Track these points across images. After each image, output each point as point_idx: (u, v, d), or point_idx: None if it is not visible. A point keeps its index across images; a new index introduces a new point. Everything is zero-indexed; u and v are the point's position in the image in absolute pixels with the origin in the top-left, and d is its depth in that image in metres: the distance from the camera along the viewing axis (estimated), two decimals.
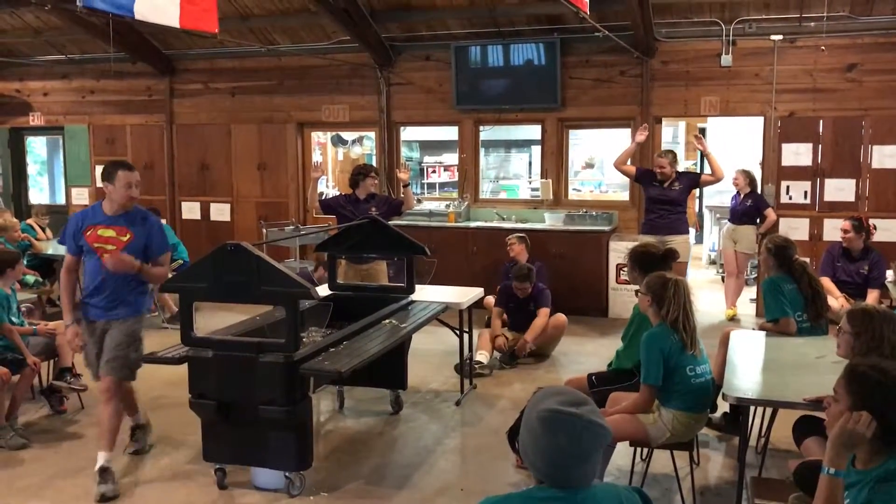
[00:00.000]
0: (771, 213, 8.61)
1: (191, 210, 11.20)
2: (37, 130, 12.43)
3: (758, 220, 8.65)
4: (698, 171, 12.54)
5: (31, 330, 5.68)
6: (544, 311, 7.26)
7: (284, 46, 10.29)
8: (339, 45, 10.01)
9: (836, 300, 6.43)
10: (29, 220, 9.45)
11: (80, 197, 11.81)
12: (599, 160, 13.04)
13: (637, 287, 4.38)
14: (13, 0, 5.19)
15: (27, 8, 9.53)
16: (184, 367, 4.39)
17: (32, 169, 13.12)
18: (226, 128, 10.93)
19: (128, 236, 4.65)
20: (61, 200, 12.39)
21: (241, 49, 10.25)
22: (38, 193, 13.04)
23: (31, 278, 8.14)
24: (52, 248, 9.40)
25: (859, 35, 8.32)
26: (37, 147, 13.21)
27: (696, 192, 12.60)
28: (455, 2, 9.14)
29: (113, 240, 4.62)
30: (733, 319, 8.63)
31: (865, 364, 2.64)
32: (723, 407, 5.00)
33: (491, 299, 7.46)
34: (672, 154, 8.19)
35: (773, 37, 8.53)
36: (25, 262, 7.62)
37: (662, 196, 7.90)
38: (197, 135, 11.09)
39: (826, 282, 6.63)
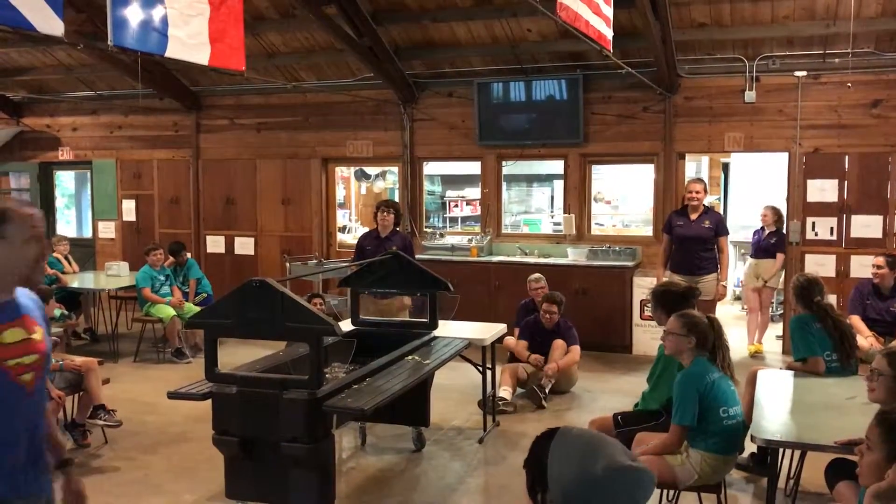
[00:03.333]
0: (780, 258, 8.57)
1: (215, 244, 11.29)
2: (65, 165, 12.64)
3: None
4: (722, 206, 12.51)
5: (58, 366, 5.72)
6: (576, 350, 7.22)
7: (309, 83, 10.41)
8: (363, 82, 10.12)
9: (866, 339, 6.32)
10: (55, 254, 9.55)
11: (107, 230, 11.97)
12: (616, 196, 12.98)
13: (664, 327, 4.34)
14: (46, 39, 5.32)
15: (59, 45, 9.73)
16: (207, 403, 4.39)
17: (60, 202, 13.32)
18: (251, 163, 11.05)
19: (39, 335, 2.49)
20: (88, 234, 12.55)
21: (266, 85, 10.39)
22: (66, 226, 13.22)
23: (57, 311, 8.20)
24: (79, 281, 9.52)
25: (884, 71, 8.28)
26: (65, 181, 13.42)
27: None
28: (478, 39, 9.22)
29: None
30: (755, 356, 8.53)
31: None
32: (749, 447, 4.92)
33: (510, 340, 7.38)
34: (704, 183, 8.17)
35: (797, 73, 8.51)
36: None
37: (689, 232, 7.80)
38: (222, 169, 11.22)
39: (855, 320, 6.53)
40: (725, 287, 7.80)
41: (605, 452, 1.70)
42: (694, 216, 7.86)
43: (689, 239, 7.81)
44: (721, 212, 12.70)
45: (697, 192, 7.86)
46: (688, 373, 4.03)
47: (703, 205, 7.96)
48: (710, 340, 4.10)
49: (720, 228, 7.90)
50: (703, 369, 4.00)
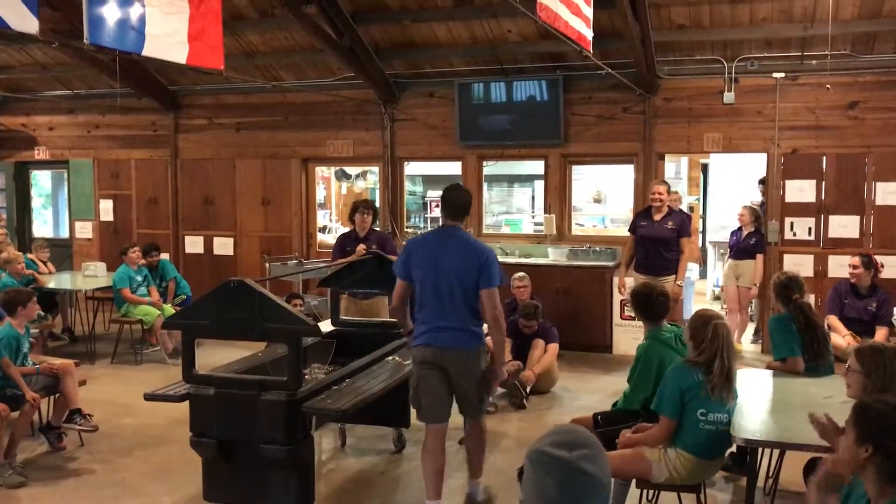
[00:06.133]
0: (760, 260, 8.62)
1: (194, 244, 11.20)
2: (42, 164, 12.49)
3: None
4: (701, 207, 12.59)
5: (35, 370, 5.63)
6: (553, 348, 7.23)
7: (289, 83, 10.36)
8: (343, 82, 10.07)
9: (843, 338, 6.38)
10: (30, 255, 9.41)
11: (84, 230, 11.84)
12: (605, 195, 13.05)
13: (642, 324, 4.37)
14: (21, 36, 5.27)
15: (35, 44, 9.62)
16: (185, 405, 4.35)
17: (37, 202, 13.17)
18: (230, 163, 10.97)
19: None
20: (65, 234, 12.41)
21: (246, 85, 10.32)
22: (42, 226, 13.07)
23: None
24: (55, 281, 9.40)
25: (861, 73, 8.35)
26: (41, 181, 13.27)
27: (699, 226, 12.61)
28: (458, 39, 9.21)
29: None
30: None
31: (871, 399, 2.62)
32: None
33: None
34: (668, 185, 8.17)
35: (776, 74, 8.56)
36: None
37: (654, 234, 7.78)
38: (201, 169, 11.13)
39: (833, 320, 6.60)
40: (680, 287, 7.78)
41: (543, 440, 1.73)
42: (658, 217, 7.86)
43: (651, 239, 7.81)
44: (701, 212, 12.80)
45: (660, 194, 7.85)
46: (676, 367, 4.07)
47: (668, 206, 7.97)
48: (702, 341, 4.00)
49: (683, 229, 7.88)
50: (694, 368, 4.00)
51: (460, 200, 4.70)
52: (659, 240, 7.75)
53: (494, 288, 4.47)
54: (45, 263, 9.61)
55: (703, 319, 4.11)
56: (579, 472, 1.67)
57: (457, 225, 4.65)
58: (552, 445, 1.70)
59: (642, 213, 8.10)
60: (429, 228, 12.91)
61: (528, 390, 6.96)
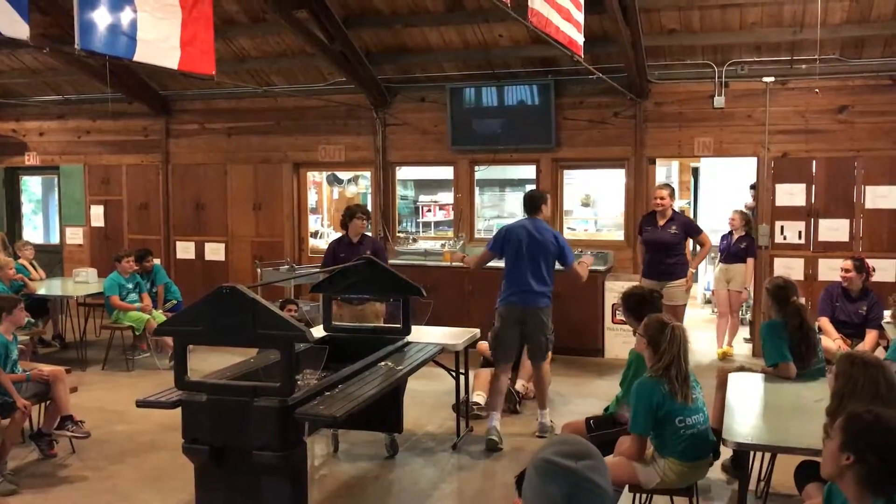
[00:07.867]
0: (750, 264, 8.67)
1: (185, 250, 11.18)
2: (32, 170, 12.45)
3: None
4: (692, 211, 12.61)
5: (25, 376, 5.61)
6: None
7: (281, 87, 10.35)
8: (335, 87, 10.08)
9: (833, 342, 6.41)
10: (21, 260, 9.36)
11: (75, 236, 11.79)
12: (594, 199, 13.06)
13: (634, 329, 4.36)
14: (12, 42, 5.25)
15: (25, 49, 9.59)
16: (177, 411, 4.33)
17: (27, 208, 13.11)
18: (221, 168, 10.95)
19: None
20: (55, 240, 12.37)
21: (237, 90, 10.32)
22: (33, 232, 13.01)
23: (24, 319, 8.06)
24: (46, 287, 9.36)
25: (850, 77, 8.41)
26: (32, 186, 13.21)
27: None
28: (450, 44, 9.23)
29: None
30: (725, 358, 8.60)
31: (863, 409, 2.64)
32: (727, 451, 4.95)
33: (484, 345, 7.36)
34: (671, 188, 8.19)
35: (766, 79, 8.61)
36: None
37: (656, 239, 7.82)
38: (192, 174, 11.11)
39: (824, 322, 6.63)
40: (692, 273, 7.88)
41: (548, 449, 1.72)
42: (662, 222, 7.88)
43: (655, 244, 7.84)
44: (691, 216, 12.82)
45: (663, 199, 7.87)
46: (642, 383, 4.03)
47: (672, 209, 7.98)
48: (661, 345, 4.03)
49: (691, 230, 7.93)
50: (659, 379, 3.98)
51: (534, 199, 6.31)
52: (661, 244, 7.77)
53: (574, 262, 6.33)
54: (35, 267, 9.57)
55: (659, 324, 4.11)
56: (588, 483, 1.67)
57: (535, 217, 6.24)
58: (559, 455, 1.69)
59: (647, 217, 8.13)
60: (421, 233, 12.95)
61: (521, 395, 6.97)
